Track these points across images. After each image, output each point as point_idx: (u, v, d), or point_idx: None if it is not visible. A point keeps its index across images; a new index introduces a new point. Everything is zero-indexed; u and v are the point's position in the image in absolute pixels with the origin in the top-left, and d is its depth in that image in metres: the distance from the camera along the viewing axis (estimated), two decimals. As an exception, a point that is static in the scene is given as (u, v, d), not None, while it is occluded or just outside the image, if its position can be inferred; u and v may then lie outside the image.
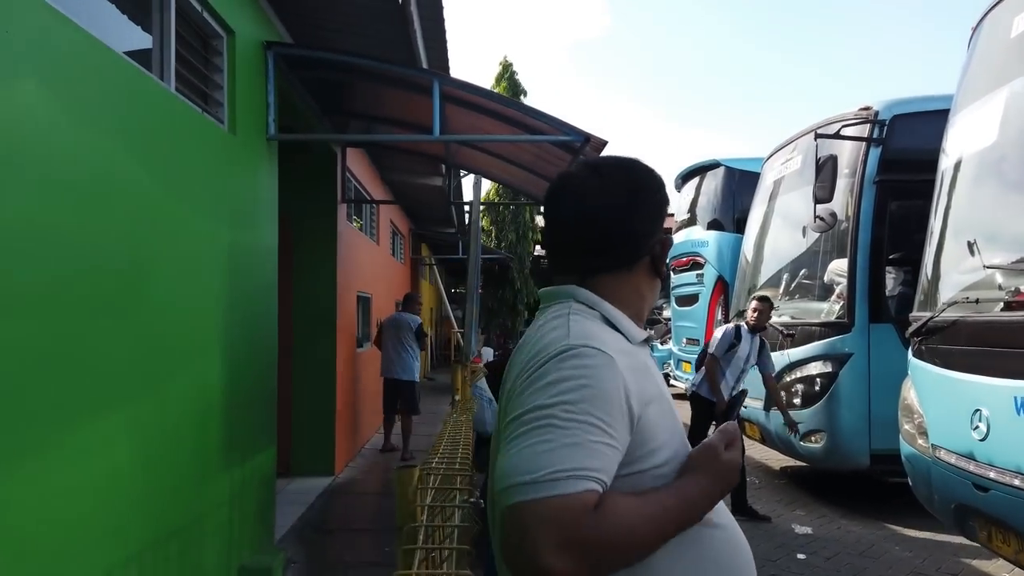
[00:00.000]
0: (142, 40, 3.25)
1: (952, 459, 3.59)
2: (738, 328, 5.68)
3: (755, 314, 5.61)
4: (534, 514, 0.95)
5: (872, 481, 6.09)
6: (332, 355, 6.76)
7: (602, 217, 1.23)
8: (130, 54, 3.05)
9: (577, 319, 1.18)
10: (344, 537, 5.25)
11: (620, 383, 1.06)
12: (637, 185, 1.26)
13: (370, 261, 9.18)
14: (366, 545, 5.06)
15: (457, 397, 5.54)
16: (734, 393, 5.57)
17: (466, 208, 11.54)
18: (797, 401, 6.06)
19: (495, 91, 4.88)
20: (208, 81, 3.84)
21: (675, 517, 1.07)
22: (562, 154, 5.56)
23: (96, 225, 2.51)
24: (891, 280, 6.06)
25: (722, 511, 1.22)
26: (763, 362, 5.76)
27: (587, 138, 4.74)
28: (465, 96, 4.93)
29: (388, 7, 4.56)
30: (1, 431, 2.00)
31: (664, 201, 1.28)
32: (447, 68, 6.09)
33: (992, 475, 3.27)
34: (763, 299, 5.73)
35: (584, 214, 1.23)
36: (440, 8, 5.10)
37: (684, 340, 11.75)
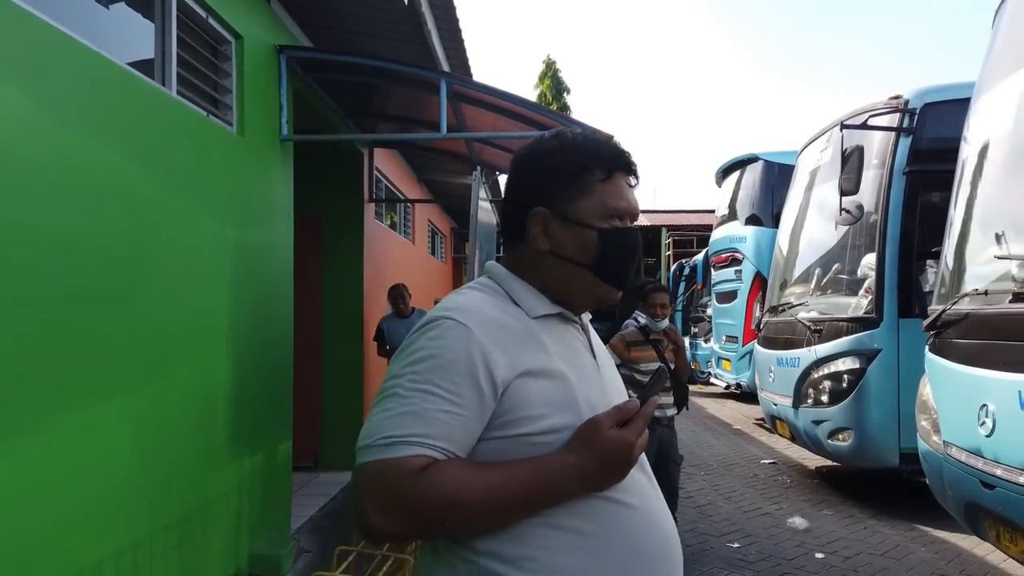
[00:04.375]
0: (148, 48, 3.40)
1: (962, 456, 3.46)
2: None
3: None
4: (362, 476, 1.05)
5: (907, 481, 5.89)
6: (360, 352, 6.90)
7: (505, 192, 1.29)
8: (138, 63, 3.21)
9: (467, 292, 1.21)
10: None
11: (474, 353, 1.07)
12: (520, 158, 1.26)
13: (404, 260, 9.32)
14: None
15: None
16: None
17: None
18: (824, 398, 5.91)
19: (506, 90, 4.90)
20: (217, 86, 3.98)
21: (527, 488, 1.06)
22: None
23: (89, 223, 2.64)
24: (930, 274, 5.85)
25: (638, 491, 1.17)
26: None
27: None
28: (475, 94, 4.99)
29: (398, 7, 4.64)
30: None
31: (543, 170, 1.22)
32: (467, 67, 6.14)
33: (998, 472, 3.14)
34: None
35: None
36: (452, 8, 5.16)
37: (724, 337, 11.55)
